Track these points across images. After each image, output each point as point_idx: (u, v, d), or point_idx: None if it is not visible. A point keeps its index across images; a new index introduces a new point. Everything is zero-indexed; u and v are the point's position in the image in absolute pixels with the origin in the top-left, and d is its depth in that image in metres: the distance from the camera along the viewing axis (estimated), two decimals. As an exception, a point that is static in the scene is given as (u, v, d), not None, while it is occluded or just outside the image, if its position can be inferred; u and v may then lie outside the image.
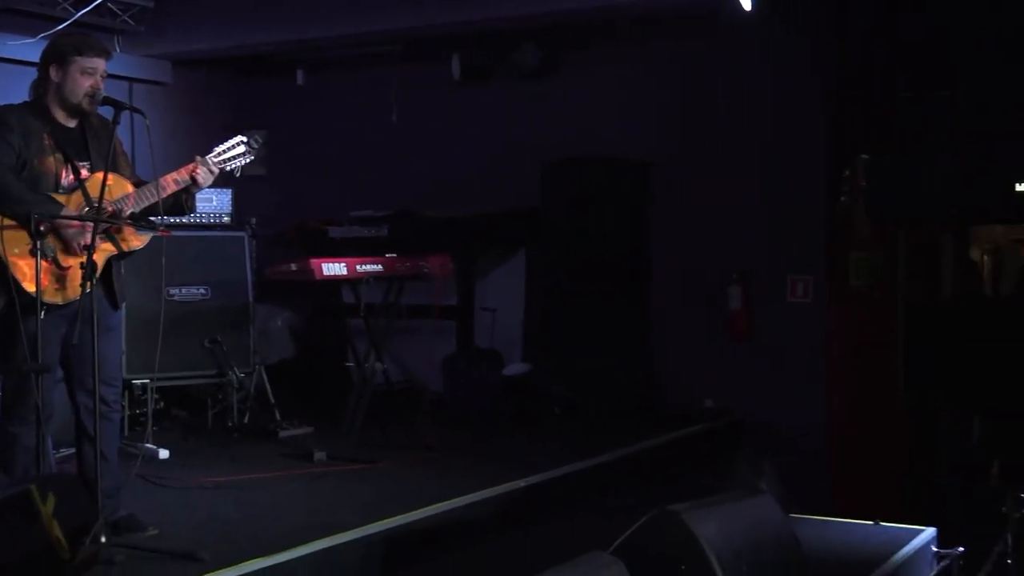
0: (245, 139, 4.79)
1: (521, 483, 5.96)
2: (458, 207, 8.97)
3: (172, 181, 4.63)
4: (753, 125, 8.47)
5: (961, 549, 5.91)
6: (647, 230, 8.99)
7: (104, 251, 4.53)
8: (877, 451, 8.89)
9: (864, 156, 8.58)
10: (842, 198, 8.52)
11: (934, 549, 6.02)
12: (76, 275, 4.40)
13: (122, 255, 4.68)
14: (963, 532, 6.21)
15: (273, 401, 7.48)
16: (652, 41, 8.67)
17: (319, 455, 6.48)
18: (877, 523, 6.24)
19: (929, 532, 6.10)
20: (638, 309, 8.95)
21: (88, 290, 4.29)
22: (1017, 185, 8.95)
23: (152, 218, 4.71)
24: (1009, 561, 5.34)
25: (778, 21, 7.14)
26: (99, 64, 4.63)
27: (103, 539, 4.23)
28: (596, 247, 8.73)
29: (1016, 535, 5.32)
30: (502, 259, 9.33)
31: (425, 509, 5.31)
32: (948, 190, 9.20)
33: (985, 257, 10.61)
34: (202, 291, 7.52)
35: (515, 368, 8.80)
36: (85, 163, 4.61)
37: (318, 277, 6.63)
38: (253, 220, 8.07)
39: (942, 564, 5.88)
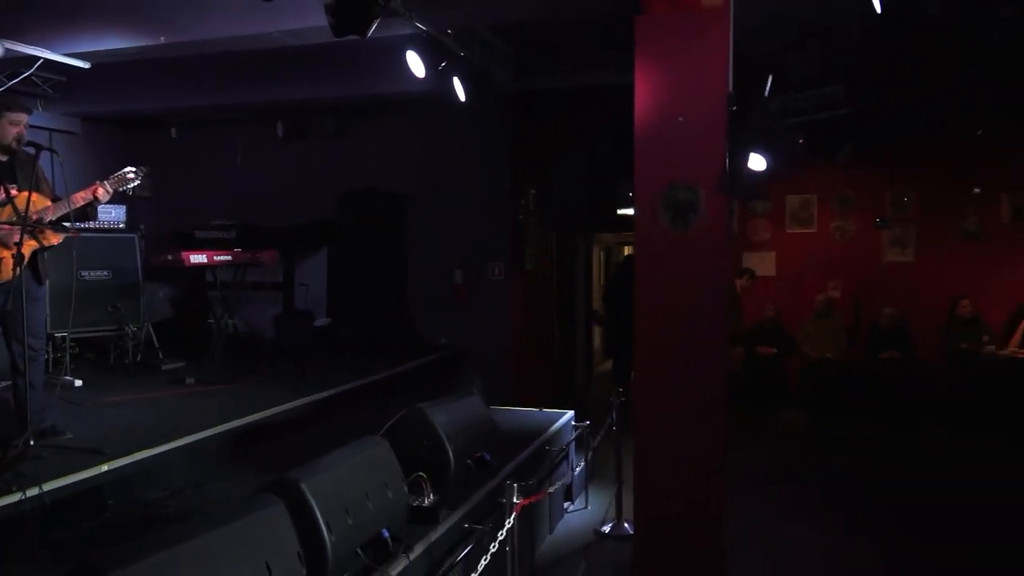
0: (133, 169, 4.45)
1: (324, 394, 5.87)
2: (282, 220, 8.72)
3: (80, 198, 4.27)
4: (469, 169, 8.62)
5: (588, 423, 6.25)
6: (404, 235, 9.01)
7: (30, 246, 4.16)
8: (539, 367, 9.27)
9: (532, 190, 8.89)
10: (520, 215, 8.80)
11: (572, 423, 6.35)
12: (9, 263, 4.09)
13: (44, 249, 4.30)
14: (589, 413, 6.57)
15: (157, 346, 7.07)
16: (407, 115, 8.63)
17: (189, 380, 6.16)
18: (541, 409, 6.54)
19: (570, 413, 6.44)
20: (399, 284, 8.98)
21: (18, 273, 3.99)
22: (619, 210, 9.52)
23: (66, 223, 4.31)
24: (614, 428, 5.65)
25: (481, 107, 7.26)
26: (23, 117, 4.24)
27: (31, 442, 3.89)
28: (372, 246, 8.70)
29: (618, 414, 5.63)
30: (312, 253, 9.10)
31: (260, 413, 5.15)
32: (582, 211, 9.64)
33: (601, 252, 11.28)
34: (105, 273, 7.08)
35: (321, 321, 8.65)
36: (13, 185, 4.20)
37: (187, 264, 6.27)
38: (142, 226, 7.62)
39: (577, 432, 6.20)
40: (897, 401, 8.12)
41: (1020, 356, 8.08)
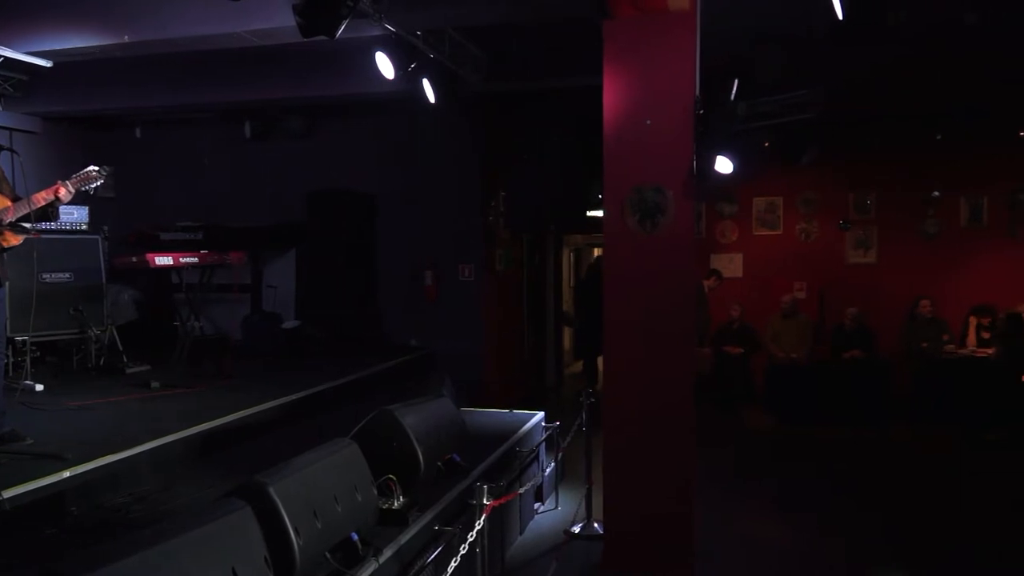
0: (97, 168, 4.35)
1: (293, 396, 5.79)
2: (250, 220, 8.61)
3: (41, 198, 4.17)
4: (439, 171, 8.59)
5: (557, 423, 6.24)
6: (374, 235, 8.96)
7: (-13, 248, 4.04)
8: (510, 368, 9.27)
9: (503, 192, 8.89)
10: (490, 217, 8.79)
11: (543, 425, 6.34)
12: (-33, 265, 3.92)
13: (3, 250, 4.18)
14: (559, 414, 6.57)
15: (121, 349, 6.90)
16: (377, 115, 8.58)
17: (154, 384, 6.03)
18: (511, 411, 6.51)
19: (540, 415, 6.42)
20: (369, 284, 8.93)
21: (-25, 276, 3.85)
22: (588, 212, 9.59)
23: (26, 224, 4.20)
24: (584, 428, 5.65)
25: (451, 108, 7.23)
26: None
27: (-10, 448, 3.79)
28: (341, 246, 8.64)
29: (587, 414, 5.63)
30: (280, 254, 9.00)
31: (227, 416, 5.06)
32: (551, 213, 9.69)
33: (571, 254, 11.29)
34: (67, 276, 6.90)
35: (290, 323, 8.54)
36: None
37: (152, 266, 6.18)
38: (105, 228, 7.43)
39: (547, 433, 6.19)
40: (860, 399, 8.25)
41: (978, 355, 8.27)
